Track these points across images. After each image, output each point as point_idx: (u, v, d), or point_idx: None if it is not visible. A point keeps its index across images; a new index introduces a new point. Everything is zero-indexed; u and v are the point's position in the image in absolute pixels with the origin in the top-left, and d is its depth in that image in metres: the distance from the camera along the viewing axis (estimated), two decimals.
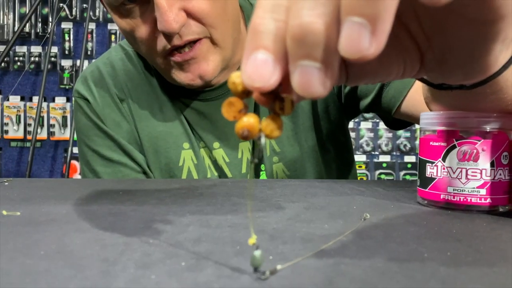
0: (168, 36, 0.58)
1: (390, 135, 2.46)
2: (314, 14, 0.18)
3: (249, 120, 0.22)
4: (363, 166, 2.46)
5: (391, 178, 2.46)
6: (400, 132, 2.43)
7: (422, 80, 0.32)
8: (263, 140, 0.22)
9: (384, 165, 2.47)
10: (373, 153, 2.47)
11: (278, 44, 0.19)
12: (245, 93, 0.22)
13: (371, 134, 2.47)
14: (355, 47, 0.17)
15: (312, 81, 0.19)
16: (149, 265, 0.25)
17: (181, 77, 0.63)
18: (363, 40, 0.17)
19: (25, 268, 0.25)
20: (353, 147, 2.41)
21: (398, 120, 0.69)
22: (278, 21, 0.20)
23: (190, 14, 0.59)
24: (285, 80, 0.22)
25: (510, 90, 0.34)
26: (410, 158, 2.46)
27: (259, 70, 0.19)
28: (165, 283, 0.23)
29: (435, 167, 0.42)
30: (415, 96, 0.62)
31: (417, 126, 0.86)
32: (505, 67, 0.27)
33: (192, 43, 0.60)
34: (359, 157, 2.45)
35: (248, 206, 0.32)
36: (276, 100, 0.22)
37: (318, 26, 0.18)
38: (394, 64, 0.25)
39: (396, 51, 0.25)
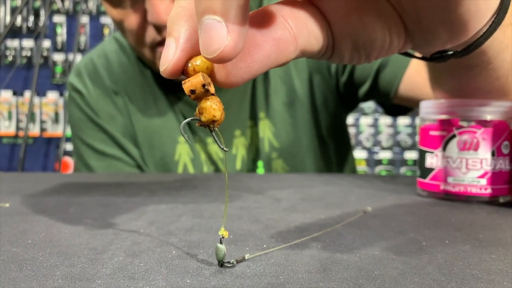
0: (158, 28, 0.57)
1: (391, 130, 2.44)
2: None
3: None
4: (363, 163, 2.44)
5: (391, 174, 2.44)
6: (401, 128, 2.41)
7: (416, 57, 0.31)
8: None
9: (385, 161, 2.45)
10: (373, 149, 2.45)
11: (178, 28, 0.20)
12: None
13: (371, 130, 2.45)
14: None
15: (214, 36, 0.18)
16: (139, 253, 0.25)
17: None
18: None
19: (11, 255, 0.24)
20: (353, 143, 2.40)
21: (398, 107, 0.68)
22: (177, 8, 0.20)
23: None
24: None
25: (502, 66, 0.34)
26: (411, 155, 2.45)
27: (164, 56, 0.21)
28: (154, 270, 0.22)
29: (435, 157, 0.42)
30: (413, 78, 0.61)
31: (418, 121, 0.86)
32: (491, 29, 0.26)
33: None
34: (359, 153, 2.43)
35: (225, 200, 0.31)
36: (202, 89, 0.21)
37: None
38: (377, 27, 0.23)
39: (375, 12, 0.23)
